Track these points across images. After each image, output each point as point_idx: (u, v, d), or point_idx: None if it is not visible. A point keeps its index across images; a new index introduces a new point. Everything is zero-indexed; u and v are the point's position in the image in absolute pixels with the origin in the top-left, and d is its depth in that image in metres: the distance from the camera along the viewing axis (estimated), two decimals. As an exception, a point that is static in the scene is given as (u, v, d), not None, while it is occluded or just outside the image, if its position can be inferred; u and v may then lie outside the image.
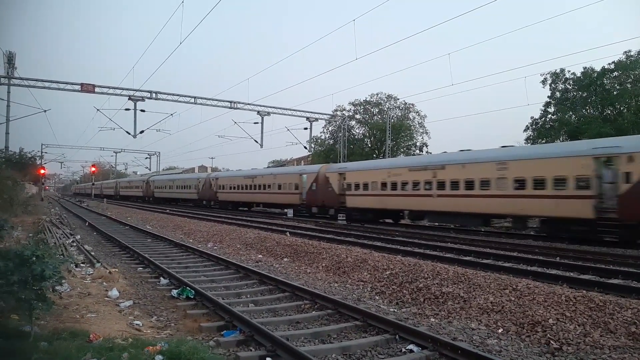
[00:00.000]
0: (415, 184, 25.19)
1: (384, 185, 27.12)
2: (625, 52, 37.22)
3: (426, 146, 56.26)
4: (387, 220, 29.79)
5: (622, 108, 38.51)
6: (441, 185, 23.42)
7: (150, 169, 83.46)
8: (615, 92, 38.39)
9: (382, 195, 27.18)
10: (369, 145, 58.07)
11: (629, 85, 37.80)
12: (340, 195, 30.94)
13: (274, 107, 41.61)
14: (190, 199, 55.69)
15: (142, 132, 39.38)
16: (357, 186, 29.52)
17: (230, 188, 46.60)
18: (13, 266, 5.94)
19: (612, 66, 38.06)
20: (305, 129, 43.90)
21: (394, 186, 26.58)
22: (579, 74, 40.27)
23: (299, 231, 21.73)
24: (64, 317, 7.47)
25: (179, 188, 58.96)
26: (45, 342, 5.80)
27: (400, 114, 57.63)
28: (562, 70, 41.22)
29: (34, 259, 6.04)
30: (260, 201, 43.44)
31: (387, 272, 11.22)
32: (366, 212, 28.96)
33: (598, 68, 38.91)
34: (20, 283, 5.89)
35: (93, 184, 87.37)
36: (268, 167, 61.69)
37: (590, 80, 39.52)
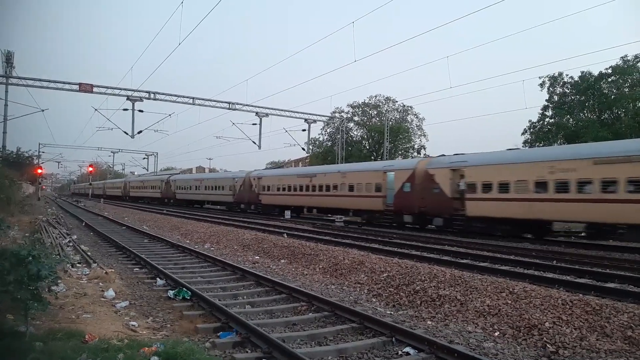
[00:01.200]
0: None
1: (538, 185, 19.22)
2: (622, 57, 37.42)
3: (424, 149, 56.45)
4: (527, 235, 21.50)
5: (619, 112, 38.66)
6: None
7: (147, 170, 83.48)
8: (612, 97, 38.55)
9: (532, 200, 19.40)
10: (367, 147, 58.15)
11: (626, 90, 37.96)
12: (453, 200, 23.00)
13: (272, 109, 41.71)
14: (224, 201, 47.54)
15: (140, 132, 39.39)
16: (486, 187, 21.46)
17: (278, 190, 38.22)
18: (9, 266, 5.93)
19: (610, 70, 38.22)
20: (304, 130, 44.02)
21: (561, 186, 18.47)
22: (576, 78, 40.44)
23: (296, 233, 21.71)
24: (59, 318, 7.44)
25: (208, 189, 49.93)
26: (40, 342, 5.78)
27: (398, 117, 57.81)
28: (560, 73, 41.39)
29: (30, 258, 6.03)
30: (320, 205, 34.72)
31: (384, 275, 11.21)
32: (502, 222, 21.17)
33: (596, 72, 39.09)
34: (16, 283, 5.87)
35: (90, 184, 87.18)
36: (266, 168, 61.14)
37: (587, 84, 39.68)
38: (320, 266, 13.27)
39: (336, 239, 19.11)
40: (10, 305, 6.23)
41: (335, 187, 31.57)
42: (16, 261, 5.97)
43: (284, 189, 37.58)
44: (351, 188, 29.85)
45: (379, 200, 27.19)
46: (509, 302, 8.42)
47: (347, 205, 30.61)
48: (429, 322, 8.17)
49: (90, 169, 76.72)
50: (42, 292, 6.31)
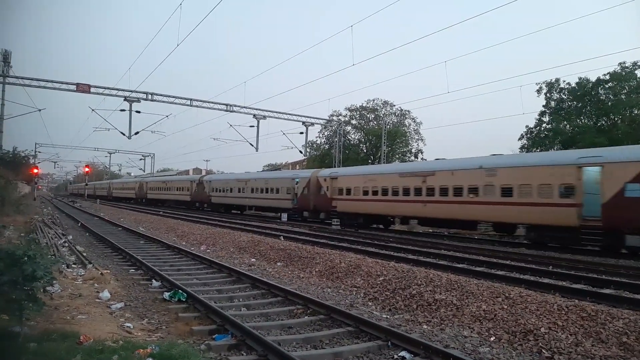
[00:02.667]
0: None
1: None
2: (620, 63, 37.59)
3: (421, 153, 56.50)
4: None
5: (616, 119, 38.80)
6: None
7: (144, 171, 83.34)
8: (609, 103, 38.69)
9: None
10: (365, 150, 58.19)
11: (623, 96, 38.10)
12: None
13: (270, 111, 41.63)
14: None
15: (137, 133, 39.23)
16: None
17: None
18: (4, 266, 5.90)
19: (607, 77, 38.37)
20: (301, 133, 43.91)
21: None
22: (574, 84, 40.60)
23: (292, 235, 21.69)
24: (54, 318, 7.41)
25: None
26: (34, 343, 5.75)
27: (396, 120, 57.86)
28: (557, 80, 41.54)
29: (26, 259, 6.00)
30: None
31: (381, 278, 11.21)
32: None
33: (593, 79, 39.26)
34: (10, 283, 5.84)
35: (86, 185, 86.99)
36: (263, 170, 61.10)
37: (584, 90, 39.84)
38: (317, 269, 13.25)
39: (332, 242, 19.10)
40: (4, 305, 6.20)
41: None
42: (11, 261, 5.94)
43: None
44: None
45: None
46: (505, 307, 8.42)
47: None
48: (425, 327, 8.16)
49: (87, 169, 76.53)
50: (37, 293, 6.29)
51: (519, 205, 19.59)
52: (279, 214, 36.23)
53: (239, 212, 46.53)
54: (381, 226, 29.91)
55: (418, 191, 24.55)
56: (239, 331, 7.02)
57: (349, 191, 29.83)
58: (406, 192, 25.27)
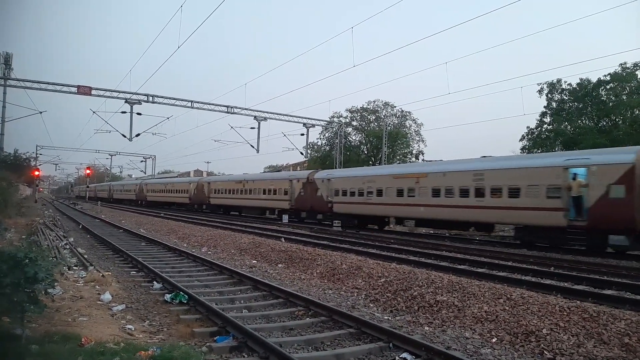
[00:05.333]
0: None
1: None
2: (621, 64, 37.57)
3: (422, 154, 56.45)
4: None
5: (617, 120, 38.77)
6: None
7: (145, 172, 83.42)
8: (610, 104, 38.66)
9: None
10: (365, 152, 58.19)
11: (624, 97, 38.07)
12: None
13: (270, 113, 41.67)
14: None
15: (138, 135, 39.28)
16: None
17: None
18: (6, 268, 5.90)
19: (608, 78, 38.34)
20: (302, 134, 43.95)
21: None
22: (575, 85, 40.58)
23: (293, 237, 21.68)
24: (55, 320, 7.42)
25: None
26: (36, 345, 5.76)
27: (396, 122, 57.87)
28: (559, 80, 41.51)
29: (27, 261, 6.01)
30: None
31: (382, 280, 11.20)
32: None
33: (594, 79, 39.23)
34: (12, 285, 5.85)
35: (87, 187, 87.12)
36: (264, 172, 61.15)
37: (585, 91, 39.82)
38: (318, 271, 13.24)
39: (334, 244, 19.08)
40: (6, 307, 6.20)
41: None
42: (13, 263, 5.95)
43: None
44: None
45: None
46: (507, 308, 8.41)
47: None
48: (427, 328, 8.15)
49: (88, 171, 76.64)
50: (38, 295, 6.29)
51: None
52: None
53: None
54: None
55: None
56: (240, 333, 7.02)
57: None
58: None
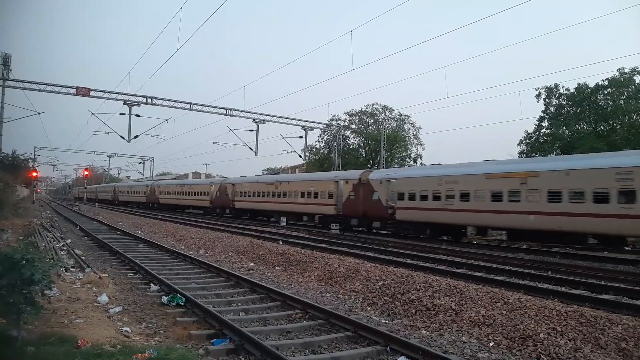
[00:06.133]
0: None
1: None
2: (619, 69, 37.74)
3: (420, 158, 56.57)
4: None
5: (615, 124, 38.91)
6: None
7: (143, 174, 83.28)
8: (608, 109, 38.82)
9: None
10: (364, 155, 58.26)
11: (622, 102, 38.25)
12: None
13: (269, 115, 41.66)
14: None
15: (136, 136, 39.27)
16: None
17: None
18: (2, 269, 5.89)
19: (606, 83, 38.50)
20: (301, 137, 43.97)
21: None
22: (572, 90, 40.71)
23: (291, 240, 21.66)
24: (52, 322, 7.39)
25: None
26: (32, 347, 5.74)
27: (395, 125, 58.02)
28: (557, 85, 41.73)
29: (24, 262, 5.99)
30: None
31: (380, 283, 11.19)
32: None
33: (592, 84, 39.39)
34: (9, 286, 5.83)
35: (85, 188, 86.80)
36: (262, 174, 60.92)
37: (583, 96, 39.99)
38: (316, 274, 13.23)
39: (331, 247, 19.07)
40: (2, 309, 6.18)
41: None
42: (10, 265, 5.93)
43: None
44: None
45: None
46: (504, 312, 8.41)
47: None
48: (424, 332, 8.15)
49: (86, 172, 76.51)
50: (35, 297, 6.28)
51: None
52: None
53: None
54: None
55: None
56: (237, 336, 7.01)
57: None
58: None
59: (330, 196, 30.89)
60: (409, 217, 24.86)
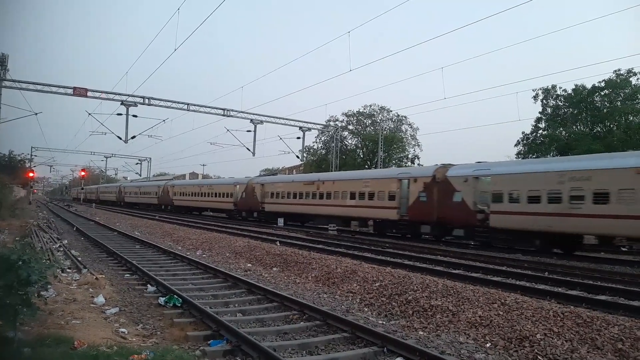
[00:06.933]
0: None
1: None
2: (615, 70, 37.88)
3: (418, 158, 56.62)
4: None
5: (611, 125, 39.05)
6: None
7: (140, 175, 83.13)
8: (605, 110, 38.96)
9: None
10: (362, 156, 58.29)
11: (618, 103, 38.40)
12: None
13: (267, 116, 41.71)
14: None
15: (133, 137, 39.30)
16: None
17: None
18: (-2, 270, 5.86)
19: (603, 84, 38.63)
20: (298, 138, 44.01)
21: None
22: (570, 91, 40.84)
23: (288, 241, 21.65)
24: (48, 323, 7.36)
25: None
26: (28, 348, 5.72)
27: (392, 126, 58.09)
28: (554, 86, 41.86)
29: (20, 263, 5.97)
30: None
31: (377, 284, 11.19)
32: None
33: (589, 86, 39.51)
34: (5, 288, 5.80)
35: (82, 188, 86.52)
36: (259, 175, 60.85)
37: (580, 97, 40.12)
38: (313, 275, 13.22)
39: (329, 248, 19.07)
40: (-2, 310, 6.16)
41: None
42: (6, 265, 5.90)
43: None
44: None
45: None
46: (501, 313, 8.42)
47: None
48: (421, 333, 8.15)
49: (82, 173, 76.32)
50: (31, 298, 6.24)
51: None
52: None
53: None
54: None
55: None
56: (234, 337, 7.00)
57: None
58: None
59: (392, 197, 26.18)
60: (510, 224, 19.97)
